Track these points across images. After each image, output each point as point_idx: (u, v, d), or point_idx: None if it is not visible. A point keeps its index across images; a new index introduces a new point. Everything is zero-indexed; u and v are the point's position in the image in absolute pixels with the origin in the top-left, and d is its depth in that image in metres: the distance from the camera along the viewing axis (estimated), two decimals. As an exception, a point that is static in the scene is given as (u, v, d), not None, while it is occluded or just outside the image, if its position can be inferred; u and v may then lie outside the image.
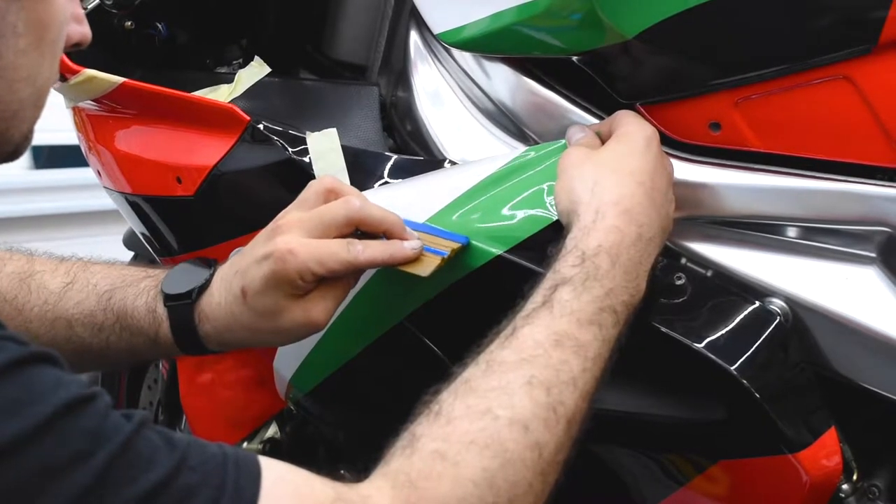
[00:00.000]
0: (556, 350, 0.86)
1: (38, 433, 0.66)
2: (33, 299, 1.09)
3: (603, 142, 1.04)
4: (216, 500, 0.70)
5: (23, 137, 0.80)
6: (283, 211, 1.01)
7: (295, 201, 1.01)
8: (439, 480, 0.77)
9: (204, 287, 1.03)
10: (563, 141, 1.07)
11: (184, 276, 1.05)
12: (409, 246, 0.97)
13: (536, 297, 0.90)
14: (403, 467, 0.78)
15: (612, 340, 0.90)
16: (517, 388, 0.83)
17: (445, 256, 0.98)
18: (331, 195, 1.00)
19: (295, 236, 0.96)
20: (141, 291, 1.07)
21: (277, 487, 0.73)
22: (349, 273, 0.98)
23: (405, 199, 1.09)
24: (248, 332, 1.01)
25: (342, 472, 0.80)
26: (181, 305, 1.03)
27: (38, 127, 0.82)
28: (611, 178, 0.97)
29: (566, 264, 0.92)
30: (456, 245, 1.00)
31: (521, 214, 1.03)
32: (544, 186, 1.04)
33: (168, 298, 1.04)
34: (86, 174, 1.58)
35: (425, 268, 0.98)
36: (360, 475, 0.79)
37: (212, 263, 1.06)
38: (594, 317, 0.89)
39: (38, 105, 0.80)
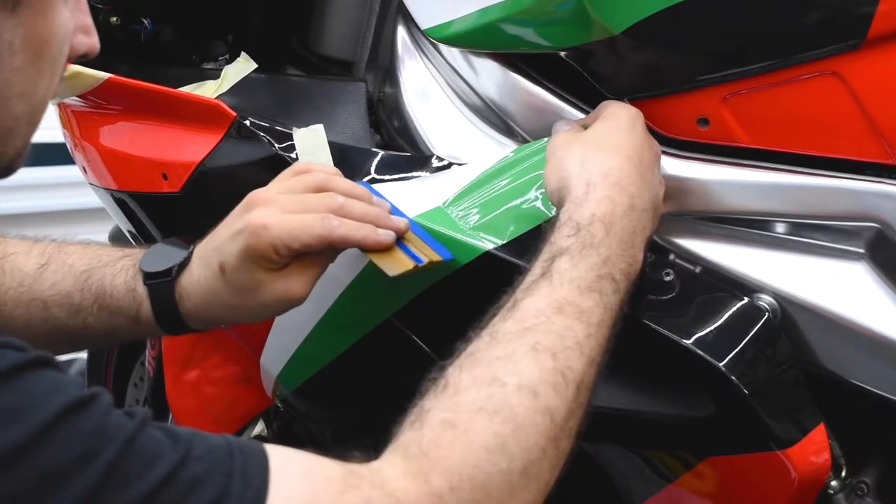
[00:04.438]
0: (559, 317, 0.86)
1: (40, 438, 0.65)
2: (7, 281, 1.07)
3: None
4: (226, 487, 0.70)
5: (17, 154, 0.79)
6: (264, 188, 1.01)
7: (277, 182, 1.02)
8: (451, 448, 0.77)
9: (184, 265, 1.02)
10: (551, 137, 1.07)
11: (163, 255, 1.04)
12: (382, 232, 0.97)
13: (535, 270, 0.90)
14: (414, 439, 0.78)
15: (613, 308, 0.89)
16: (522, 355, 0.82)
17: (421, 264, 0.97)
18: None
19: (270, 210, 0.96)
20: (119, 271, 1.06)
21: (286, 469, 0.73)
22: (324, 247, 0.97)
23: (396, 199, 1.08)
24: (229, 309, 1.00)
25: (354, 453, 0.78)
26: (162, 283, 1.02)
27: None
28: (598, 154, 0.97)
29: (562, 235, 0.92)
30: (436, 258, 0.99)
31: (510, 211, 1.03)
32: (532, 181, 1.04)
33: (147, 277, 1.03)
34: (71, 171, 1.57)
35: (394, 267, 0.97)
36: (371, 454, 0.78)
37: (190, 241, 1.05)
38: (594, 284, 0.89)
39: (32, 122, 0.78)
